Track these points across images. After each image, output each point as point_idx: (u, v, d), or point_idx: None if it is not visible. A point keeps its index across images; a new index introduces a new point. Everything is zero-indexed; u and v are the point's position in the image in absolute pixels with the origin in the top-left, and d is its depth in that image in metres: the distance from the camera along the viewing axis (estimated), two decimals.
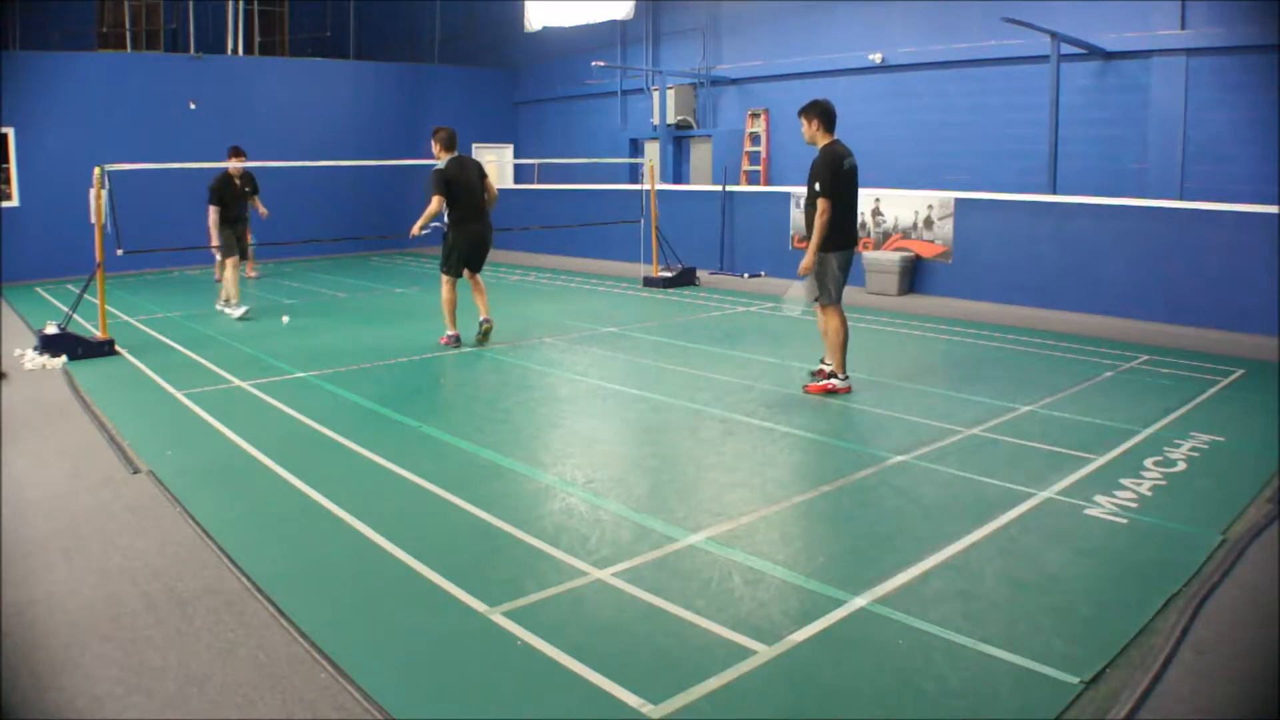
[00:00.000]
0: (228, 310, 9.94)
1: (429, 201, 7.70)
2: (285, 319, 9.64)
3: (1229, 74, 10.16)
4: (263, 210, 10.51)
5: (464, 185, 7.82)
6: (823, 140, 6.20)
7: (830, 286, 6.26)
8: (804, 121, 6.25)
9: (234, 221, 10.02)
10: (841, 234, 6.18)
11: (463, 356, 7.82)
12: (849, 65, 13.75)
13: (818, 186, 6.03)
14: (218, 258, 10.27)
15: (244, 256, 10.60)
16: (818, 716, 2.64)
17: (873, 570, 3.55)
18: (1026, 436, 5.33)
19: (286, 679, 2.81)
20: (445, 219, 7.89)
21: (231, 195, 10.02)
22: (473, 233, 7.95)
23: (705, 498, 4.43)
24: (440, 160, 7.88)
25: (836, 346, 6.37)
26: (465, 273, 8.11)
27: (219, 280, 10.75)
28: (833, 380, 6.39)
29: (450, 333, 8.14)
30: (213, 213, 9.83)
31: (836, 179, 6.05)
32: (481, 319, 8.10)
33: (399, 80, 18.68)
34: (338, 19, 20.06)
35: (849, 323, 6.46)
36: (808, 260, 6.15)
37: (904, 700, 2.70)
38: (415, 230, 7.96)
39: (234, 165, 10.08)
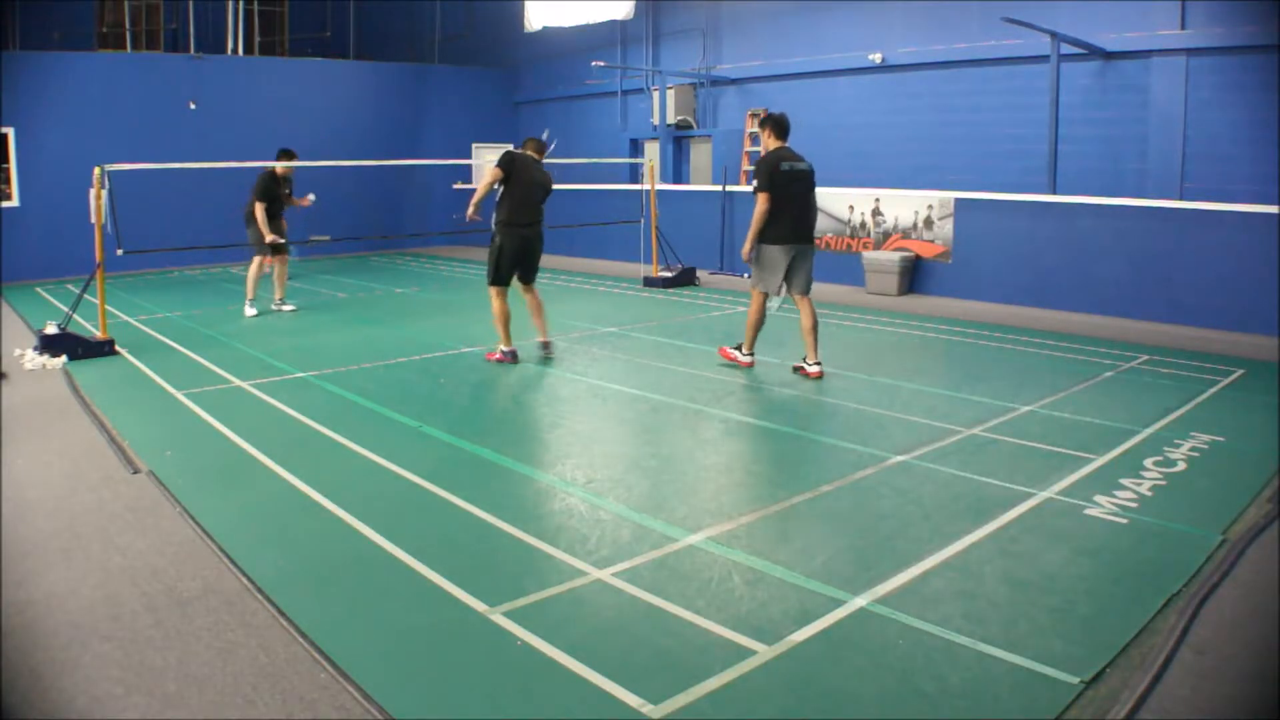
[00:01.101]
0: (284, 308, 10.32)
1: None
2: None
3: (1229, 74, 10.16)
4: (299, 202, 10.60)
5: (524, 181, 7.23)
6: (772, 145, 6.93)
7: (765, 275, 6.88)
8: (760, 133, 7.12)
9: (275, 219, 10.06)
10: (781, 229, 6.78)
11: (463, 357, 7.82)
12: (849, 65, 13.75)
13: (754, 184, 6.81)
14: (255, 262, 10.18)
15: (282, 251, 10.48)
16: (818, 717, 2.64)
17: (873, 570, 3.55)
18: (1026, 436, 5.33)
19: (286, 679, 2.81)
20: (493, 221, 7.33)
21: (278, 194, 10.08)
22: (522, 236, 7.29)
23: (705, 498, 4.43)
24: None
25: (749, 324, 7.06)
26: (519, 286, 7.50)
27: (261, 278, 10.74)
28: (737, 353, 7.20)
29: (505, 348, 7.41)
30: (260, 209, 9.85)
31: (773, 178, 6.71)
32: (540, 341, 7.56)
33: (399, 80, 18.68)
34: (338, 19, 20.06)
35: (819, 318, 7.02)
36: (745, 247, 6.91)
37: (904, 700, 2.70)
38: (470, 210, 7.35)
39: (282, 166, 10.11)
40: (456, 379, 7.05)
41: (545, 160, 7.77)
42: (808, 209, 6.91)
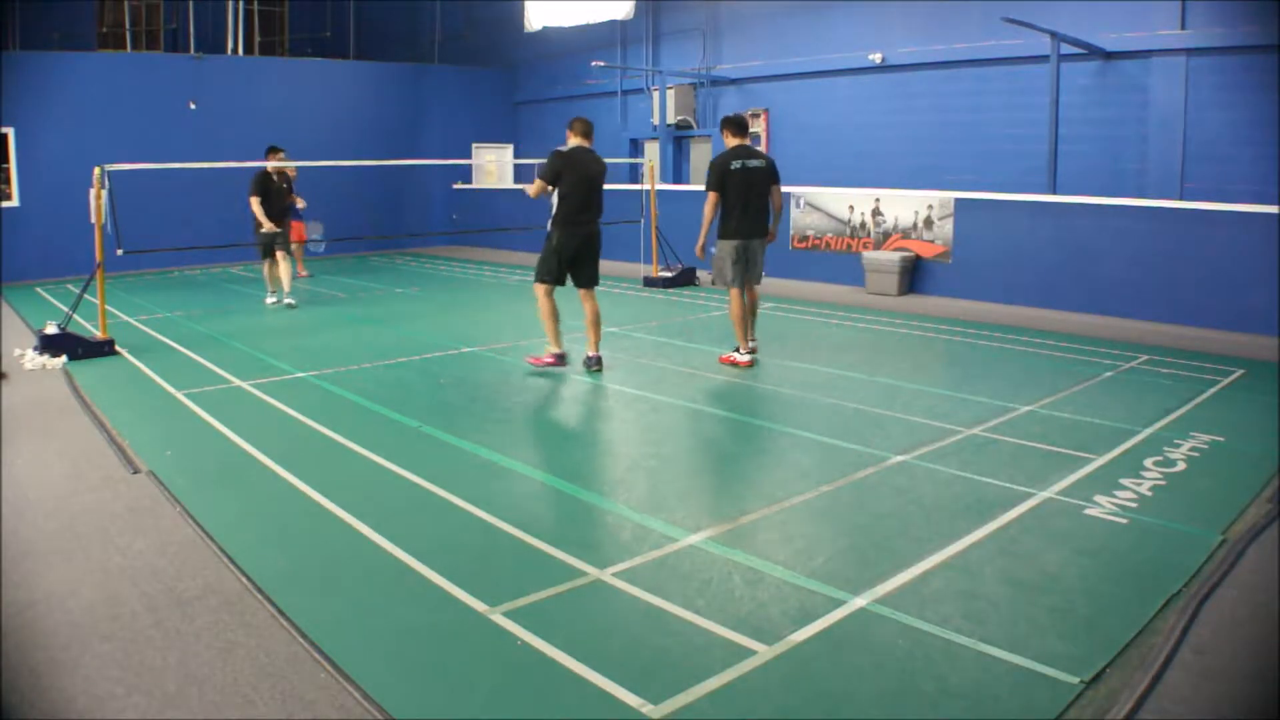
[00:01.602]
0: (285, 301, 10.65)
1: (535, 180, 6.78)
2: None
3: (1229, 74, 10.16)
4: (301, 202, 11.29)
5: (578, 176, 6.75)
6: (731, 143, 7.12)
7: (724, 270, 7.13)
8: (721, 134, 7.29)
9: (278, 218, 10.46)
10: (731, 225, 7.07)
11: (463, 357, 7.82)
12: (849, 65, 13.75)
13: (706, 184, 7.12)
14: (281, 257, 10.71)
15: (288, 252, 11.00)
16: (818, 716, 2.64)
17: (873, 570, 3.55)
18: (1026, 436, 5.33)
19: (286, 679, 2.81)
20: (549, 219, 6.90)
21: (274, 190, 10.51)
22: (579, 234, 6.84)
23: (705, 498, 4.43)
24: (566, 146, 6.91)
25: (735, 321, 7.21)
26: (580, 292, 7.04)
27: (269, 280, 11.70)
28: (735, 354, 7.25)
29: (554, 350, 6.93)
30: (255, 203, 10.33)
31: (722, 177, 6.97)
32: (589, 355, 6.99)
33: (399, 80, 18.68)
34: (338, 19, 20.06)
35: (761, 306, 7.52)
36: (697, 245, 7.33)
37: (904, 700, 2.70)
38: (531, 192, 6.97)
39: (272, 164, 10.51)
40: (456, 379, 7.05)
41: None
42: (761, 205, 7.14)
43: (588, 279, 7.04)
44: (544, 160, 6.90)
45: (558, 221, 6.84)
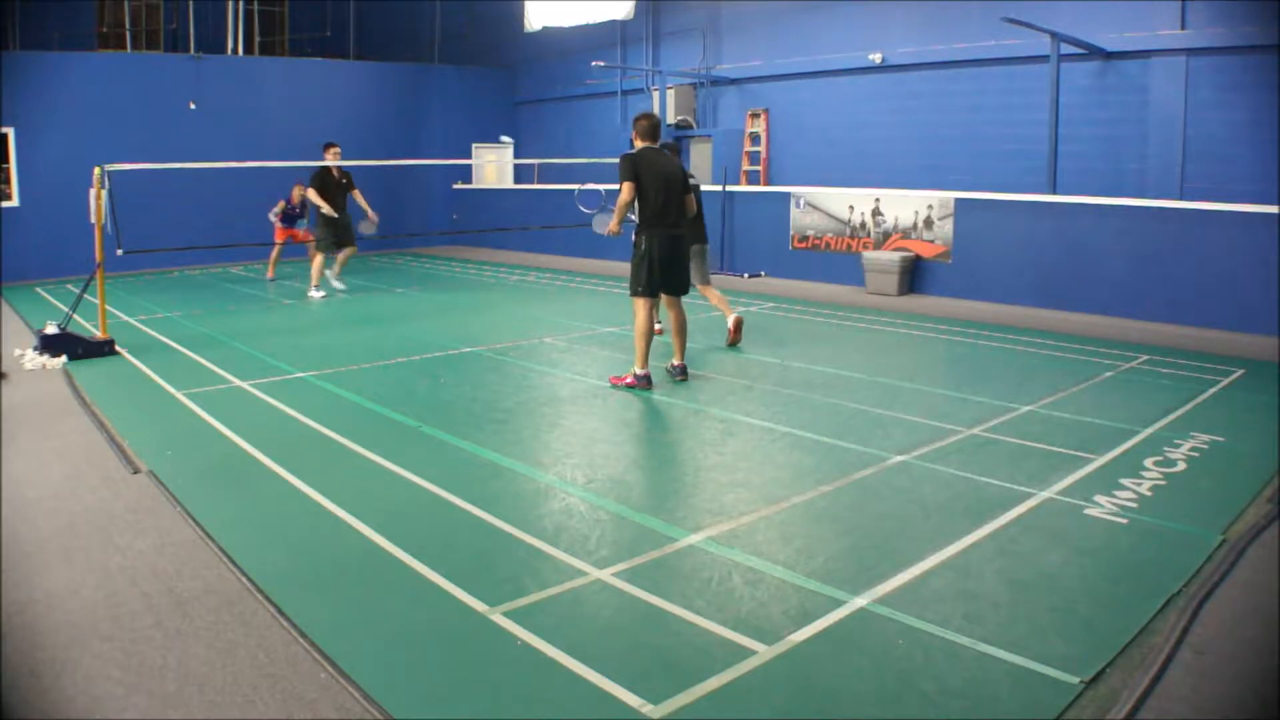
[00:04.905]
0: (316, 293, 11.40)
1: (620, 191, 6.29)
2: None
3: (1229, 74, 10.16)
4: (368, 210, 11.55)
5: (656, 177, 6.32)
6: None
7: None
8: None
9: (335, 214, 11.12)
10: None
11: (463, 357, 7.81)
12: (849, 65, 13.75)
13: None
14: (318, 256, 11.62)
15: (348, 244, 11.62)
16: (818, 716, 2.64)
17: (873, 570, 3.55)
18: (1026, 436, 5.33)
19: (286, 679, 2.81)
20: (635, 229, 6.53)
21: (332, 184, 11.20)
22: (669, 238, 6.42)
23: (705, 498, 4.43)
24: (635, 148, 6.51)
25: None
26: (665, 299, 6.65)
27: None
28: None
29: (639, 371, 6.49)
30: (312, 193, 11.04)
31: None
32: (675, 364, 6.75)
33: (399, 80, 18.69)
34: (338, 19, 20.05)
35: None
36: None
37: (904, 700, 2.70)
38: (614, 227, 6.57)
39: (331, 157, 11.21)
40: (456, 379, 7.05)
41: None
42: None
43: (677, 286, 6.63)
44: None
45: (642, 227, 6.43)
